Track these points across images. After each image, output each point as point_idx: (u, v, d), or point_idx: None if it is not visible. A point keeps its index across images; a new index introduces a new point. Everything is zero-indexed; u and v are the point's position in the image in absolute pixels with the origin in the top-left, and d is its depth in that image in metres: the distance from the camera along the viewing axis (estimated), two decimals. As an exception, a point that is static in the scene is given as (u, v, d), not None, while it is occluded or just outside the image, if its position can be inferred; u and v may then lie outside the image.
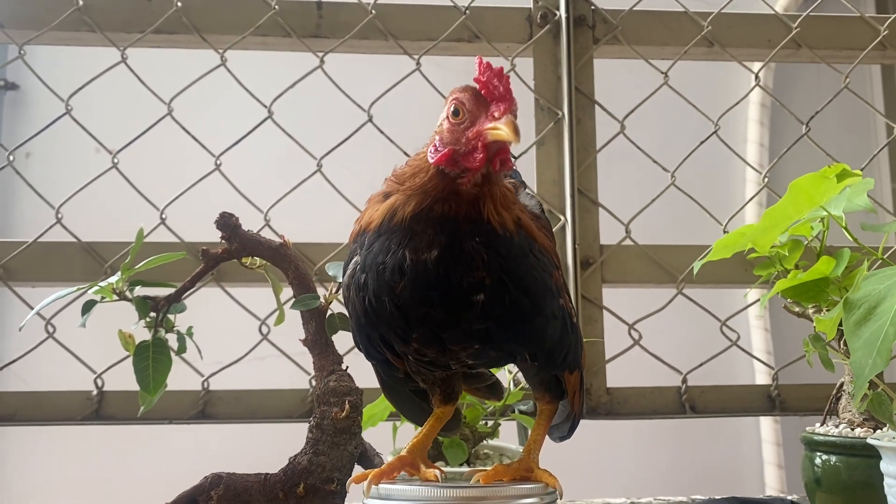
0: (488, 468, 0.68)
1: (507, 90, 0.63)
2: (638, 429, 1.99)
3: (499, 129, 0.61)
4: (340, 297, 0.75)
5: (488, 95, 0.63)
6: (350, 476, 0.80)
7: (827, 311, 0.95)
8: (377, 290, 0.65)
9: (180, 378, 1.20)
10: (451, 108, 0.64)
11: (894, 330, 0.69)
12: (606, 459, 2.01)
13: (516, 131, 0.61)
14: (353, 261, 0.69)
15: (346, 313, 0.75)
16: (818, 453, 1.00)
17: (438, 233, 0.63)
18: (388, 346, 0.69)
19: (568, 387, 0.74)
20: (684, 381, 1.31)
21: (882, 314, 0.71)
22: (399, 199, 0.66)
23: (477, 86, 0.64)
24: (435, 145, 0.65)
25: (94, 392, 1.23)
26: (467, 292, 0.63)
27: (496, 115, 0.62)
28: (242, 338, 1.27)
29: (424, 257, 0.63)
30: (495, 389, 0.90)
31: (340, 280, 0.79)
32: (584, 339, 1.29)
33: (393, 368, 0.75)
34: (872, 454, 0.85)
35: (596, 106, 1.39)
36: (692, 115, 1.42)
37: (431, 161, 0.64)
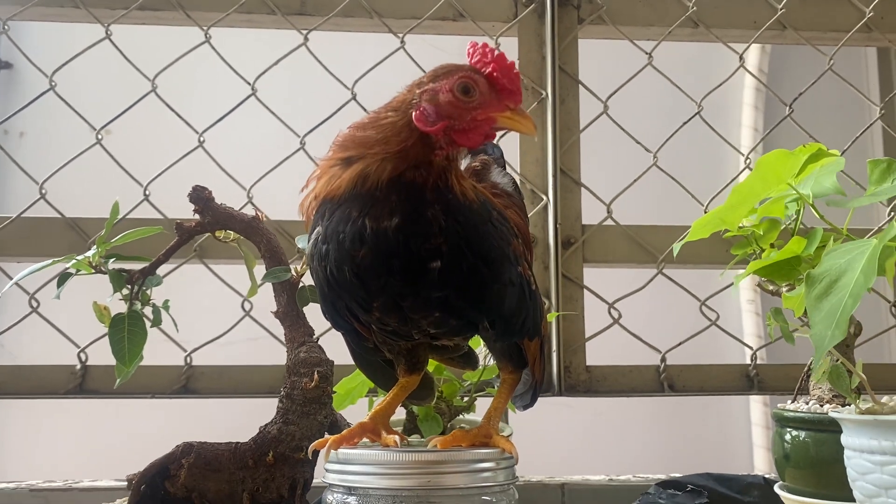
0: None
1: (520, 87, 0.67)
2: (626, 411, 2.00)
3: (518, 120, 0.66)
4: None
5: (504, 86, 0.67)
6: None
7: (799, 289, 0.96)
8: (338, 259, 0.66)
9: (164, 354, 1.22)
10: (461, 85, 0.66)
11: (853, 302, 0.70)
12: (594, 442, 2.02)
13: (535, 126, 0.68)
14: (315, 231, 0.69)
15: None
16: (788, 429, 1.01)
17: (402, 199, 0.64)
18: (354, 315, 0.70)
19: (528, 354, 0.75)
20: (663, 359, 1.32)
21: (842, 287, 0.72)
22: (371, 163, 0.66)
23: (488, 70, 0.67)
24: (425, 113, 0.66)
25: (78, 366, 1.24)
26: (424, 259, 0.64)
27: (511, 106, 0.66)
28: (233, 317, 1.28)
29: (385, 225, 0.64)
30: (469, 359, 0.91)
31: None
32: (565, 317, 1.31)
33: (362, 338, 0.76)
34: (839, 430, 0.86)
35: (580, 87, 1.40)
36: (688, 99, 1.42)
37: (423, 128, 0.65)
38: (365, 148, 0.67)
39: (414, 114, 0.66)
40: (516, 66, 0.68)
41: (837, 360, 0.82)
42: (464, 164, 0.89)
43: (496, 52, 0.67)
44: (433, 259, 0.64)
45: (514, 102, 0.67)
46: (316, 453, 0.73)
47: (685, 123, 1.39)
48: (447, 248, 0.64)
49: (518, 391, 0.81)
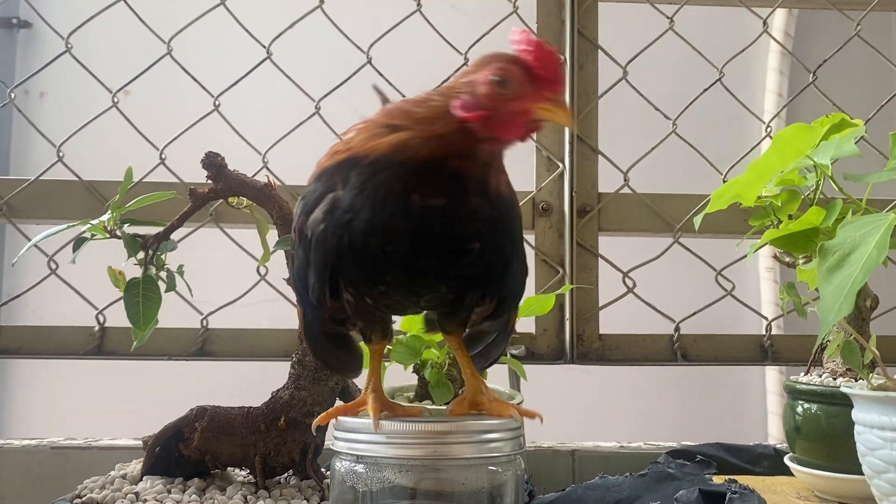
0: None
1: (559, 76, 0.64)
2: (641, 378, 2.00)
3: (553, 111, 0.63)
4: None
5: (542, 75, 0.63)
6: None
7: (816, 261, 0.94)
8: (366, 231, 0.63)
9: (183, 316, 1.23)
10: (496, 77, 0.63)
11: (863, 276, 0.69)
12: (609, 410, 2.03)
13: (573, 117, 0.64)
14: (330, 195, 0.66)
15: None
16: (800, 402, 1.01)
17: (448, 184, 0.64)
18: (352, 286, 0.67)
19: (510, 323, 0.77)
20: (677, 329, 1.32)
21: (854, 261, 0.71)
22: (414, 136, 0.64)
23: (525, 59, 0.64)
24: (464, 102, 0.64)
25: (97, 328, 1.26)
26: (464, 241, 0.64)
27: (550, 97, 0.63)
28: (249, 279, 1.29)
29: (433, 203, 0.63)
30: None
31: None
32: (580, 287, 1.31)
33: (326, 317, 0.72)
34: (851, 404, 0.85)
35: (600, 51, 1.37)
36: (709, 64, 1.39)
37: (461, 115, 0.63)
38: (412, 121, 0.65)
39: (454, 102, 0.64)
40: (558, 54, 0.65)
41: (851, 336, 0.81)
42: None
43: (536, 40, 0.64)
44: (473, 241, 0.64)
45: (552, 92, 0.63)
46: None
47: (706, 90, 1.37)
48: (486, 230, 0.65)
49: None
